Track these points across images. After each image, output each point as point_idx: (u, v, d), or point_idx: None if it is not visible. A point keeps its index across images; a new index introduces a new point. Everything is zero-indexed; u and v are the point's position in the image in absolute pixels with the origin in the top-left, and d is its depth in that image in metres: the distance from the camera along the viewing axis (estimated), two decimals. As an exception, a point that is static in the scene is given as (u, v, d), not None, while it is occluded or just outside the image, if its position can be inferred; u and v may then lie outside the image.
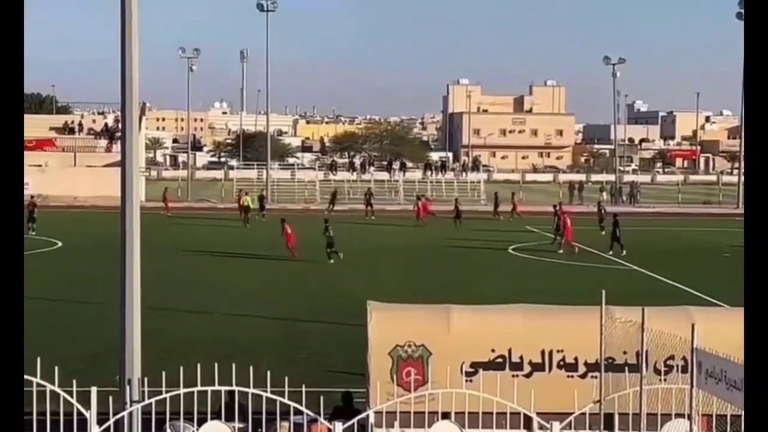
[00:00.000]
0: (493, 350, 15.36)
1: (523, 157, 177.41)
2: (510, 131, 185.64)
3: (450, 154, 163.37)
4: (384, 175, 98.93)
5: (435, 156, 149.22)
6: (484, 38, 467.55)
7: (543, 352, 15.41)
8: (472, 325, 15.75)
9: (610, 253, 45.64)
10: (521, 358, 15.39)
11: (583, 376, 15.37)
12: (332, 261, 41.28)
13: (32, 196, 58.15)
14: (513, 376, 15.21)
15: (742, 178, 69.96)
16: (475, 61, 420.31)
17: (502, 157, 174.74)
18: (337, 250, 41.77)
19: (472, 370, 15.26)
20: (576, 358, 15.39)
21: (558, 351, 15.42)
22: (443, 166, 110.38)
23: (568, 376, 15.39)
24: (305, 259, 41.68)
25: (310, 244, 42.62)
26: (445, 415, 14.53)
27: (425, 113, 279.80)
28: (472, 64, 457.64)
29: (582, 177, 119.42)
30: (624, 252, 45.24)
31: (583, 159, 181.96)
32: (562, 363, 15.41)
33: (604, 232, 51.87)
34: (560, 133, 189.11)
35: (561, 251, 46.41)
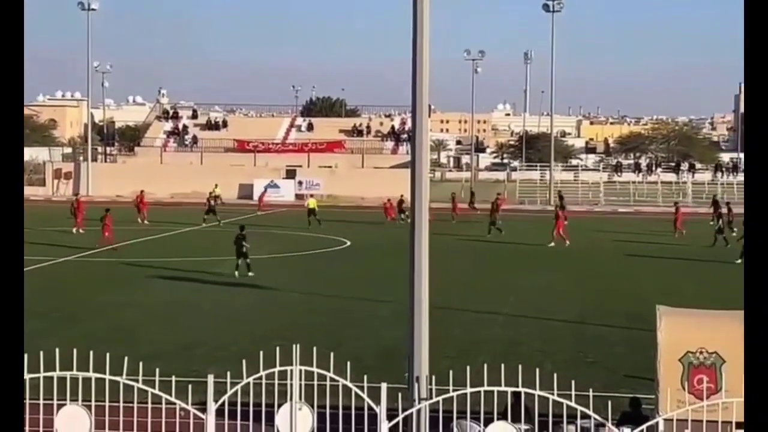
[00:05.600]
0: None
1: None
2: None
3: (742, 156, 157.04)
4: (671, 177, 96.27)
5: (726, 157, 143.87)
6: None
7: None
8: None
9: None
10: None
11: None
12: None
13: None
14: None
15: None
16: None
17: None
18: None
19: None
20: None
21: None
22: (735, 168, 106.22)
23: None
24: (589, 260, 41.11)
25: (595, 245, 42.06)
26: (739, 426, 13.94)
27: (715, 113, 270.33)
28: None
29: None
30: None
31: None
32: None
33: None
34: None
35: None
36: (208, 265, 39.96)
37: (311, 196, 69.20)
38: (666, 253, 46.09)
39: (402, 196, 61.15)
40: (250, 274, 36.27)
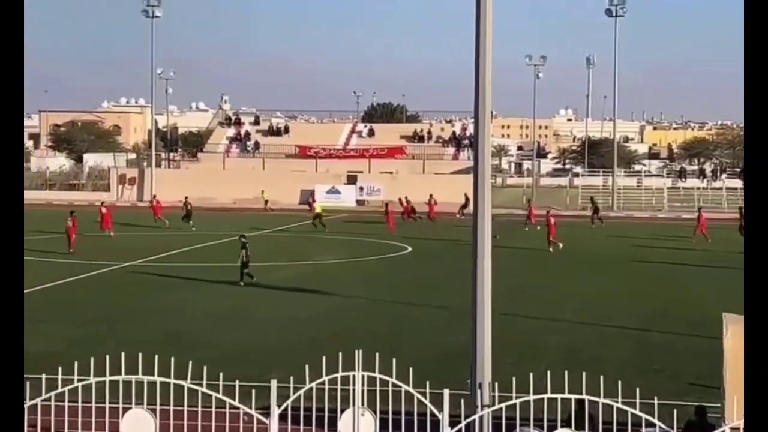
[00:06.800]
0: None
1: None
2: None
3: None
4: (736, 183, 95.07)
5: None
6: None
7: None
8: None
9: None
10: None
11: None
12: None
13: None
14: None
15: None
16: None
17: None
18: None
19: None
20: None
21: None
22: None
23: None
24: (650, 266, 40.70)
25: (656, 251, 41.64)
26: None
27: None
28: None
29: None
30: None
31: None
32: None
33: None
34: None
35: None
36: (266, 270, 40.19)
37: (315, 200, 72.20)
38: (729, 260, 45.51)
39: (465, 194, 62.98)
40: (241, 283, 35.35)
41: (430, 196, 68.66)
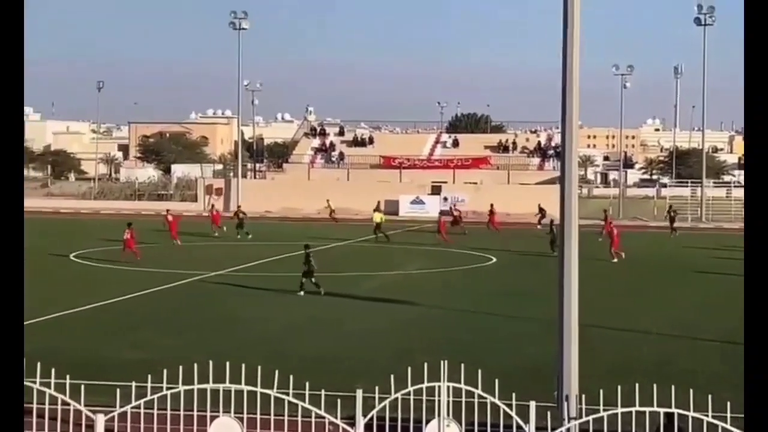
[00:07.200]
0: None
1: None
2: None
3: None
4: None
5: None
6: None
7: None
8: None
9: None
10: None
11: None
12: None
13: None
14: None
15: None
16: None
17: None
18: None
19: None
20: None
21: None
22: None
23: None
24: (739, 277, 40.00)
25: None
26: None
27: None
28: None
29: None
30: None
31: None
32: None
33: None
34: None
35: None
36: (354, 280, 40.34)
37: (375, 210, 64.72)
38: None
39: (539, 204, 68.11)
40: (300, 293, 35.15)
41: (491, 205, 69.41)
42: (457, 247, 54.87)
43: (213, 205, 73.10)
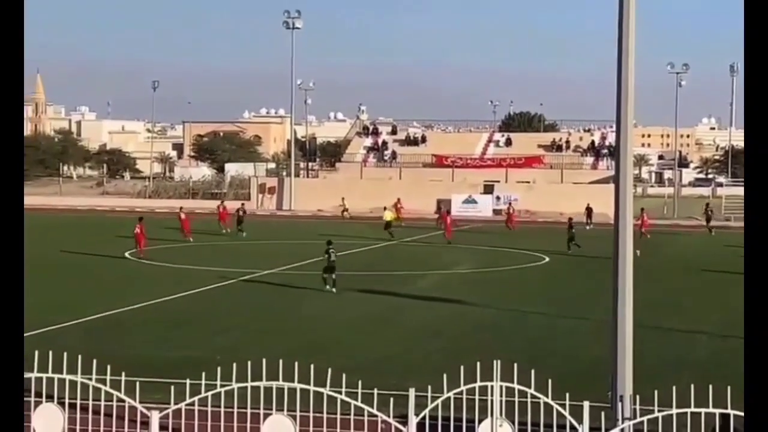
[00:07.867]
0: None
1: None
2: None
3: None
4: None
5: None
6: None
7: None
8: None
9: None
10: None
11: None
12: None
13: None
14: None
15: None
16: None
17: None
18: None
19: None
20: None
21: None
22: None
23: None
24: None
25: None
26: None
27: None
28: None
29: None
30: None
31: None
32: None
33: None
34: None
35: None
36: (406, 279, 40.34)
37: (385, 208, 66.07)
38: None
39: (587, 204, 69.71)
40: (333, 290, 35.28)
41: (509, 203, 69.92)
42: (510, 246, 54.69)
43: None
